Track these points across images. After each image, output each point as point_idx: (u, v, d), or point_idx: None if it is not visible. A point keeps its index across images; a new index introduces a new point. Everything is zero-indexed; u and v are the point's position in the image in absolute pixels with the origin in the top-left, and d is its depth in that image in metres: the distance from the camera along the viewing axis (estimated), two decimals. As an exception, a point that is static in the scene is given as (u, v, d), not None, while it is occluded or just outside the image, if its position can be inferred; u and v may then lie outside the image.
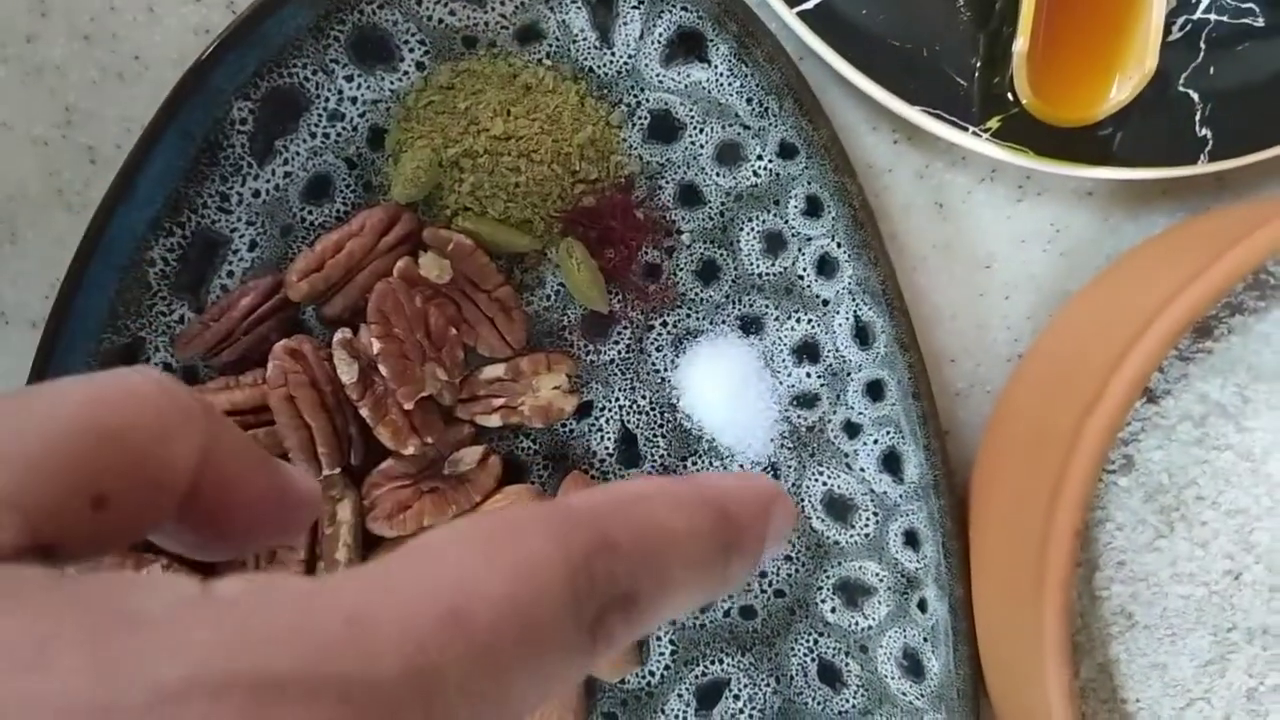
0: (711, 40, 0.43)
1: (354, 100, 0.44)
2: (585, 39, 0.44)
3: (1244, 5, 0.45)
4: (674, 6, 0.43)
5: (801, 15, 0.43)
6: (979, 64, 0.44)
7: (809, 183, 0.44)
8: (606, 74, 0.44)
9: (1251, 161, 0.44)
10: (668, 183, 0.45)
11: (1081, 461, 0.39)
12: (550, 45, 0.44)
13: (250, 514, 0.22)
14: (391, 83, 0.44)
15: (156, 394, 0.20)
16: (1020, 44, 0.42)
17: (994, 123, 0.44)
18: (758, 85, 0.43)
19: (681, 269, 0.45)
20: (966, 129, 0.44)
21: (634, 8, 0.43)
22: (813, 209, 0.44)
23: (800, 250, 0.45)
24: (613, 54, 0.44)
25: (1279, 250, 0.38)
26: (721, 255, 0.45)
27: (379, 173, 0.44)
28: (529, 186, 0.43)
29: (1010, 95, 0.43)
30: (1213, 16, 0.45)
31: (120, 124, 0.45)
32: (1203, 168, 0.44)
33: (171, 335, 0.43)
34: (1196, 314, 0.38)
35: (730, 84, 0.44)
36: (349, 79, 0.43)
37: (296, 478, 0.23)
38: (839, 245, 0.44)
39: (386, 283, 0.42)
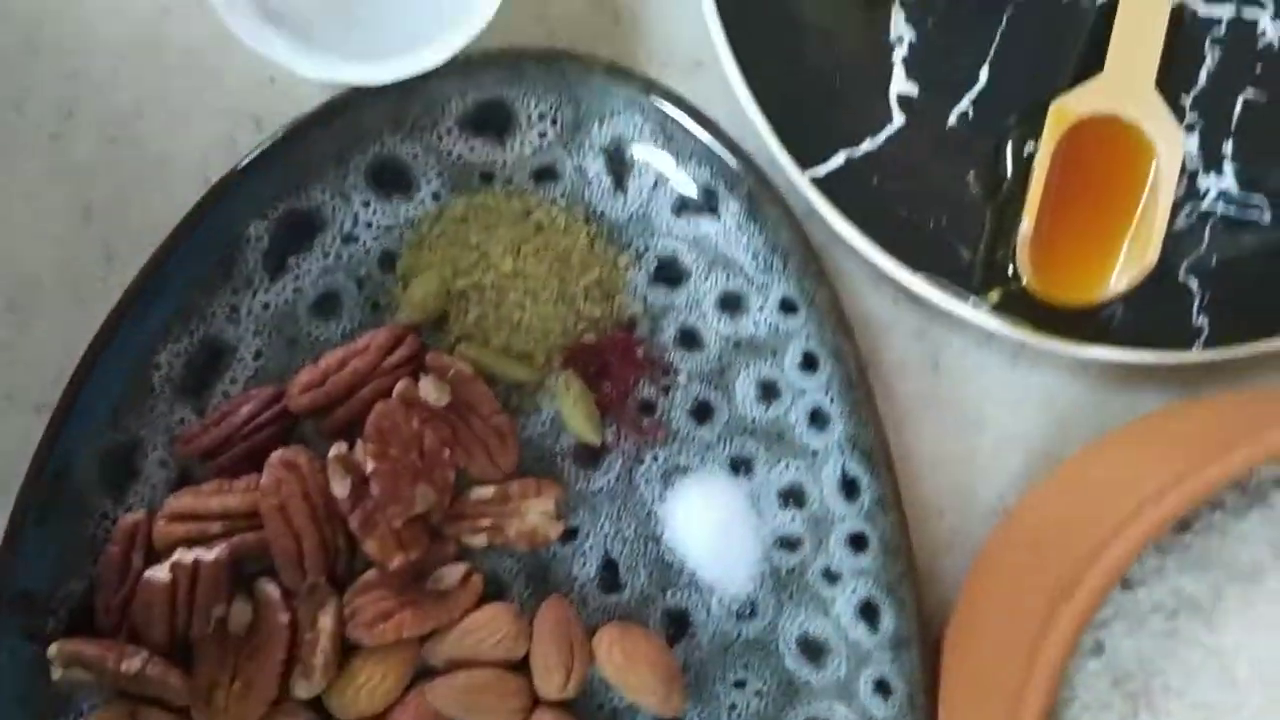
0: (723, 197, 0.44)
1: (369, 224, 0.45)
2: (600, 183, 0.45)
3: (1252, 198, 0.46)
4: (688, 161, 0.44)
5: (813, 180, 0.44)
6: (984, 237, 0.45)
7: (807, 339, 0.45)
8: (617, 218, 0.45)
9: (1245, 354, 0.45)
10: (669, 325, 0.46)
11: (1053, 650, 0.39)
12: (565, 186, 0.45)
13: None
14: (407, 210, 0.45)
15: None
16: (1025, 226, 0.43)
17: (994, 295, 0.45)
18: (764, 243, 0.44)
19: (676, 407, 0.46)
20: (966, 299, 0.44)
21: (648, 161, 0.44)
22: (809, 364, 0.45)
23: (794, 401, 0.46)
24: (625, 199, 0.45)
25: (1268, 460, 0.38)
26: (716, 397, 0.46)
27: (387, 294, 0.45)
28: (532, 323, 0.44)
29: (1012, 270, 0.44)
30: (1219, 207, 0.46)
31: (139, 225, 0.46)
32: (1197, 355, 0.45)
33: (171, 436, 0.44)
34: (1179, 513, 0.38)
35: (738, 239, 0.45)
36: (366, 204, 0.44)
37: None
38: (832, 401, 0.45)
39: (386, 403, 0.43)
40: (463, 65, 0.43)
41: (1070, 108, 0.43)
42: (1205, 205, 0.46)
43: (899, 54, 0.46)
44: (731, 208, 0.44)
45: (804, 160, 0.44)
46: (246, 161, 0.42)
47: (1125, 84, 0.43)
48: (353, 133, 0.43)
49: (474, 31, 0.40)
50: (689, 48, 0.47)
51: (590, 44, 0.47)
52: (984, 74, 0.46)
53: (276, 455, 0.43)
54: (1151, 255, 0.43)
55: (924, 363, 0.48)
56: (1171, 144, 0.43)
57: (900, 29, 0.46)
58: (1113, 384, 0.48)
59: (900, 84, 0.45)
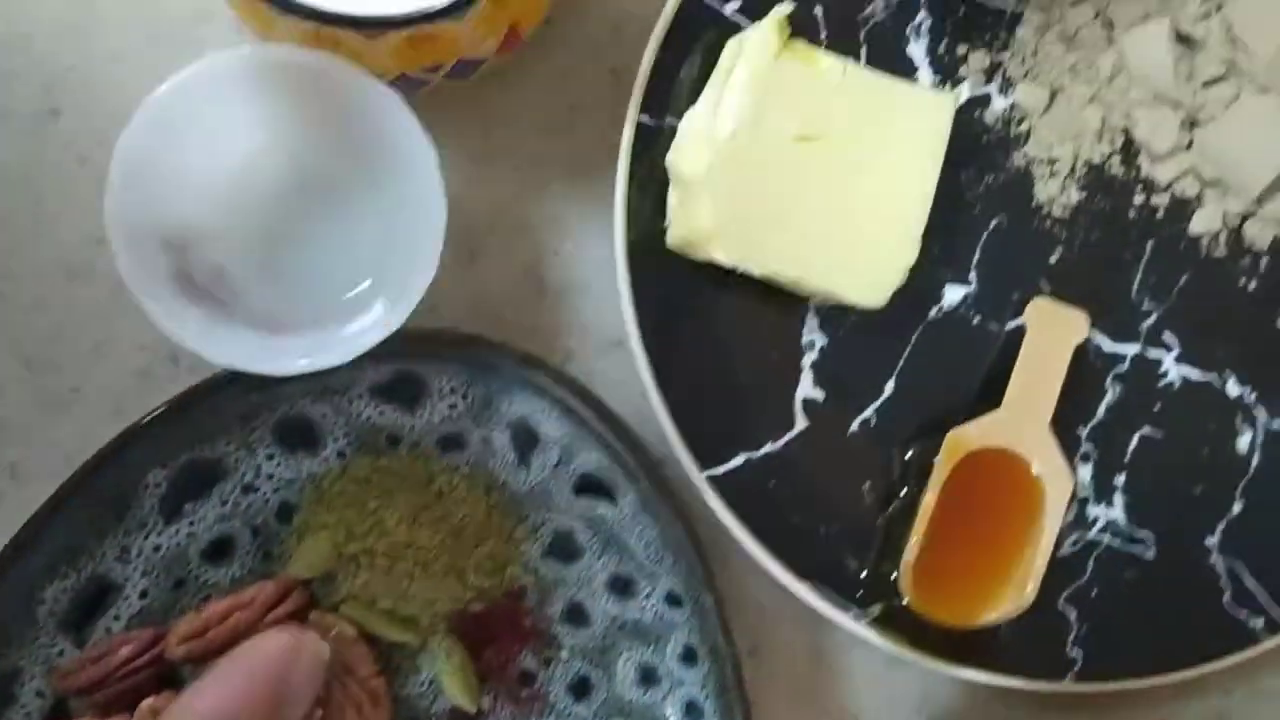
0: (621, 486, 0.45)
1: (270, 476, 0.45)
2: (504, 457, 0.46)
3: (1139, 533, 0.47)
4: (592, 451, 0.45)
5: (710, 479, 0.45)
6: (873, 550, 0.46)
7: (689, 633, 0.45)
8: (518, 491, 0.46)
9: (1115, 690, 0.46)
10: (558, 599, 0.46)
11: None
12: (470, 455, 0.46)
13: None
14: (310, 466, 0.45)
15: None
16: (910, 549, 0.44)
17: (876, 609, 0.45)
18: (656, 535, 0.45)
19: (556, 680, 0.47)
20: (848, 610, 0.45)
21: (554, 442, 0.45)
22: (689, 657, 0.45)
23: (671, 690, 0.46)
24: (528, 474, 0.46)
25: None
26: (597, 675, 0.47)
27: (281, 545, 0.45)
28: (420, 591, 0.45)
29: (896, 586, 0.45)
30: (1106, 538, 0.47)
31: (46, 448, 0.46)
32: (1067, 686, 0.46)
33: (50, 666, 0.44)
34: None
35: (632, 527, 0.45)
36: (270, 458, 0.45)
37: None
38: (707, 698, 0.45)
39: (265, 664, 0.43)
40: (381, 344, 0.43)
41: (965, 439, 0.44)
42: (1092, 535, 0.47)
43: (809, 359, 0.47)
44: (628, 498, 0.45)
45: (703, 458, 0.45)
46: (151, 417, 0.43)
47: (1021, 422, 0.45)
48: (264, 394, 0.44)
49: (405, 315, 0.41)
50: (611, 326, 0.48)
51: (515, 313, 0.48)
52: (889, 386, 0.47)
53: (146, 703, 0.43)
54: (1030, 592, 0.44)
55: (807, 653, 0.48)
56: (1060, 487, 0.44)
57: (813, 334, 0.47)
58: (988, 700, 0.49)
59: (807, 389, 0.47)
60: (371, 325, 0.41)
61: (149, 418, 0.43)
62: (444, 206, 0.40)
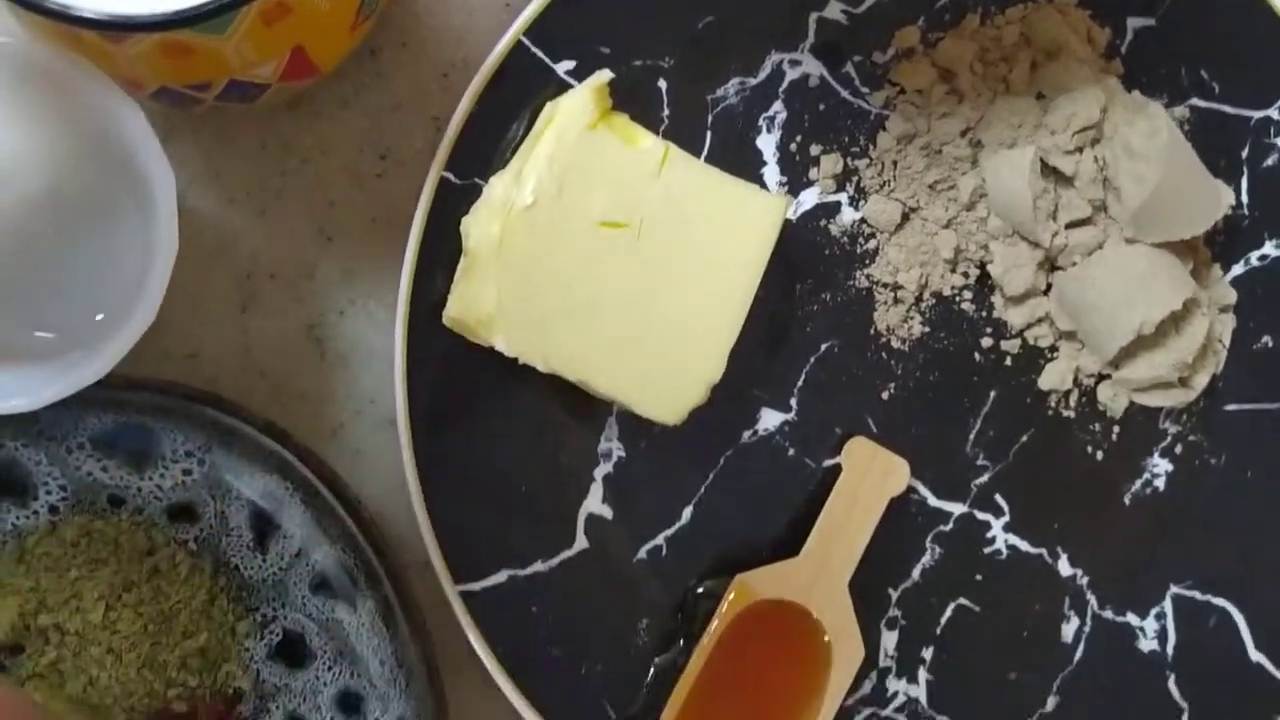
0: (361, 591, 0.39)
1: (-34, 525, 0.40)
2: (240, 537, 0.40)
3: (939, 718, 0.42)
4: (334, 545, 0.39)
5: (464, 594, 0.40)
6: (637, 703, 0.41)
7: (416, 768, 0.40)
8: (251, 577, 0.40)
9: None
10: (278, 709, 0.41)
11: None
12: (201, 530, 0.40)
13: None
14: (17, 518, 0.40)
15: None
16: (669, 711, 0.39)
17: (631, 766, 0.40)
18: (393, 653, 0.39)
19: (265, 802, 0.41)
20: (602, 768, 0.40)
21: (296, 528, 0.40)
22: (413, 796, 0.40)
23: (393, 829, 0.40)
24: (264, 560, 0.40)
25: None
26: (311, 802, 0.41)
27: (-29, 604, 0.40)
28: (110, 684, 0.39)
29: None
30: (902, 719, 0.42)
31: None
32: None
33: None
34: None
35: (369, 639, 0.40)
36: (-32, 503, 0.39)
37: None
38: (428, 847, 0.40)
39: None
40: (104, 385, 0.38)
41: (753, 586, 0.39)
42: (888, 712, 0.42)
43: (602, 470, 0.41)
44: (368, 605, 0.40)
45: (460, 570, 0.40)
46: None
47: (817, 575, 0.39)
48: (-38, 430, 0.38)
49: (109, 364, 0.36)
50: (389, 401, 0.42)
51: (286, 374, 0.43)
52: (687, 513, 0.42)
53: None
54: (794, 780, 0.38)
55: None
56: (848, 655, 0.39)
57: (611, 442, 0.41)
58: None
59: (594, 504, 0.41)
60: (62, 375, 0.35)
61: None
62: (174, 239, 0.35)
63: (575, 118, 0.37)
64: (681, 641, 0.41)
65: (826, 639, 0.39)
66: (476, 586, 0.40)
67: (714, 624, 0.39)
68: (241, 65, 0.36)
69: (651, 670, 0.41)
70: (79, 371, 0.35)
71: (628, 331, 0.38)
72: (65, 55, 0.35)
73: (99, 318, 0.39)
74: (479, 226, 0.38)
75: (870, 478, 0.40)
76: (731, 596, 0.39)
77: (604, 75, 0.38)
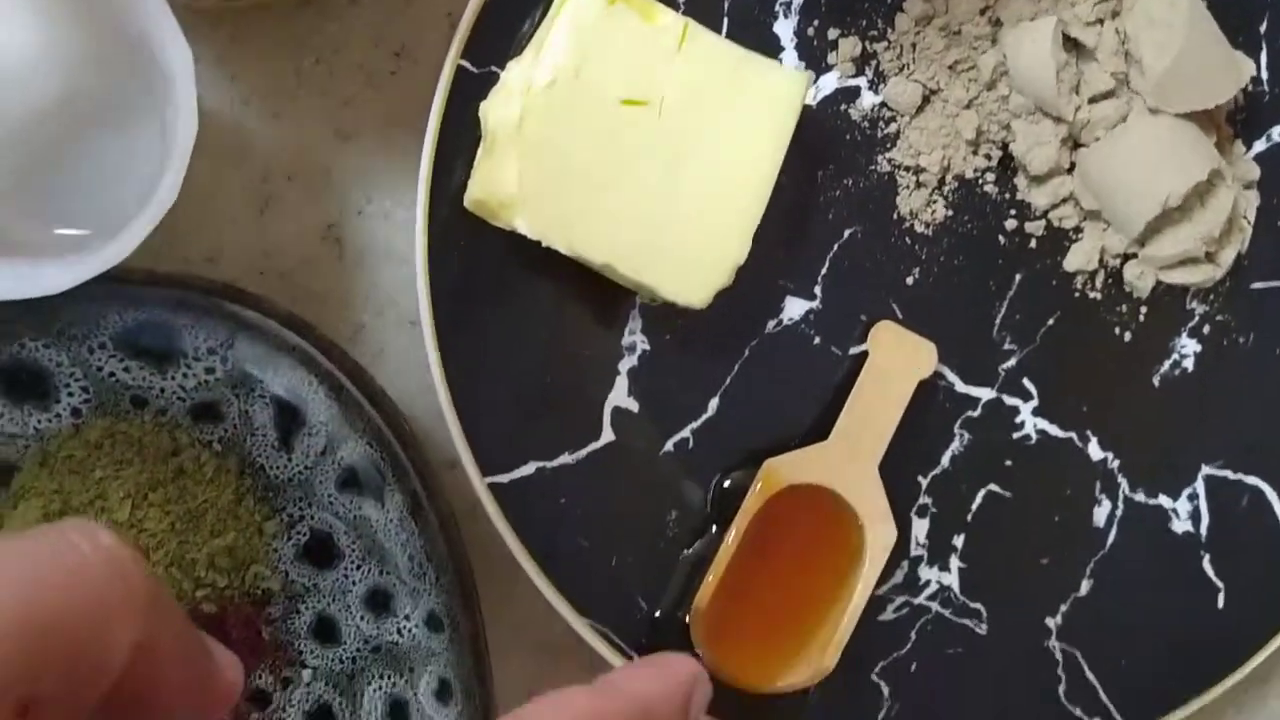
0: (389, 486, 0.39)
1: (-11, 429, 0.39)
2: (264, 436, 0.40)
3: (972, 605, 0.41)
4: (360, 439, 0.39)
5: (492, 486, 0.39)
6: (668, 592, 0.40)
7: (445, 666, 0.39)
8: (277, 477, 0.40)
9: (924, 779, 0.40)
10: (307, 609, 0.40)
11: None
12: (225, 431, 0.40)
13: (172, 703, 0.21)
14: (39, 421, 0.39)
15: (104, 575, 0.18)
16: (702, 594, 0.38)
17: (664, 656, 0.40)
18: (422, 547, 0.39)
19: (294, 706, 0.40)
20: (632, 658, 0.39)
21: (321, 424, 0.39)
22: (443, 695, 0.39)
23: (424, 727, 0.40)
24: (289, 459, 0.40)
25: None
26: (340, 705, 0.40)
27: (-5, 510, 0.39)
28: (139, 582, 0.39)
29: (689, 636, 0.39)
30: (935, 606, 0.41)
31: None
32: (872, 769, 0.40)
33: None
34: None
35: (398, 535, 0.39)
36: (-11, 407, 0.39)
37: (224, 664, 0.22)
38: (460, 742, 0.39)
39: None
40: (124, 281, 0.38)
41: (783, 471, 0.39)
42: (920, 600, 0.41)
43: (627, 364, 0.41)
44: (396, 500, 0.39)
45: (488, 462, 0.39)
46: None
47: (847, 459, 0.39)
48: (-16, 331, 0.38)
49: (126, 250, 0.35)
50: (410, 301, 0.42)
51: (305, 275, 0.42)
52: (713, 405, 0.41)
53: None
54: (828, 662, 0.38)
55: (593, 699, 0.42)
56: (881, 537, 0.39)
57: (634, 336, 0.41)
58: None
59: (620, 397, 0.41)
60: (94, 255, 0.35)
61: None
62: (193, 126, 0.35)
63: (593, -5, 0.37)
64: (714, 529, 0.41)
65: (859, 522, 0.39)
66: (504, 479, 0.39)
67: (742, 510, 0.39)
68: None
69: (683, 562, 0.41)
70: (98, 256, 0.35)
71: (651, 212, 0.38)
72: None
73: (114, 223, 0.39)
74: (498, 109, 0.37)
75: (898, 361, 0.40)
76: (760, 482, 0.39)
77: (623, -50, 0.37)
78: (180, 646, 0.21)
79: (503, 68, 0.39)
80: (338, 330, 0.42)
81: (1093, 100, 0.39)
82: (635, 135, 0.37)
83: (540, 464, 0.40)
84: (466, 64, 0.39)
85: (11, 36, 0.38)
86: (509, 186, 0.37)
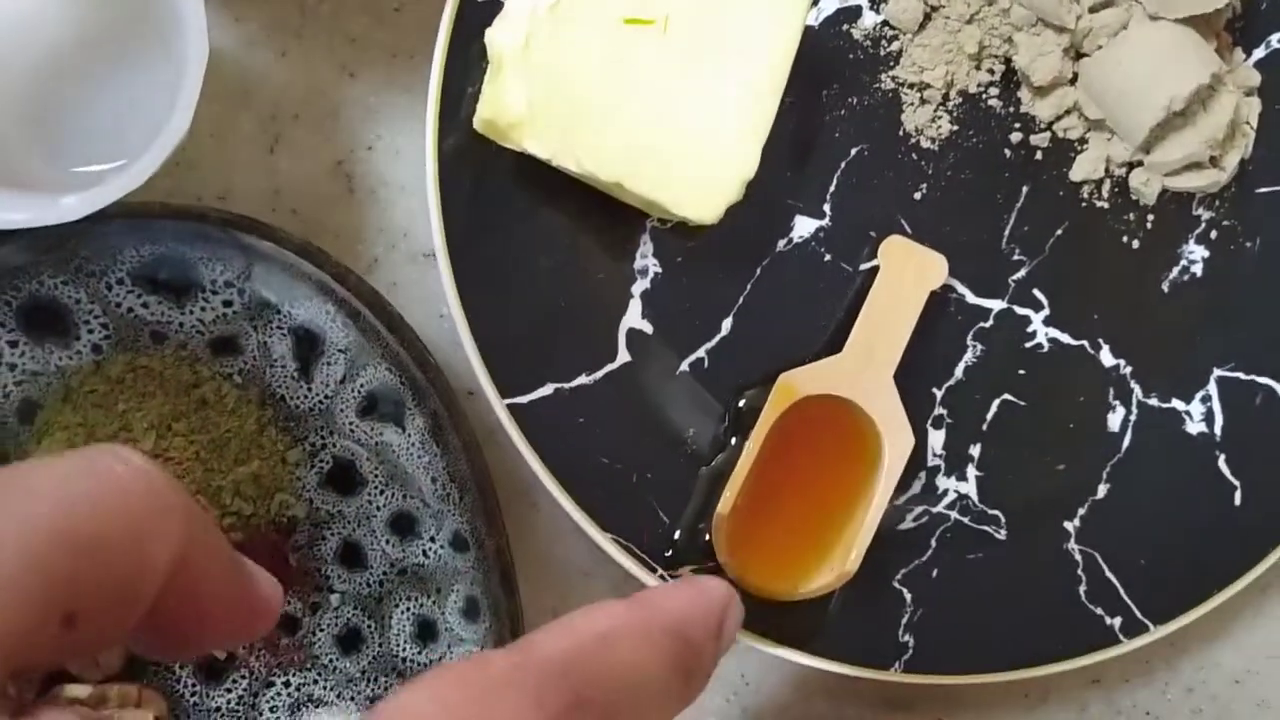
0: (409, 410, 0.40)
1: (12, 367, 0.40)
2: (284, 367, 0.40)
3: (990, 512, 0.42)
4: (379, 364, 0.40)
5: (512, 408, 0.40)
6: (689, 505, 0.41)
7: (472, 584, 0.40)
8: (297, 407, 0.41)
9: (943, 683, 0.40)
10: (332, 535, 0.41)
11: None
12: (245, 363, 0.40)
13: (213, 620, 0.21)
14: (60, 359, 0.40)
15: (138, 491, 0.19)
16: (723, 505, 0.39)
17: (686, 571, 0.40)
18: (444, 469, 0.40)
19: (323, 630, 0.41)
20: (654, 572, 0.40)
21: (340, 351, 0.40)
22: (471, 612, 0.40)
23: (450, 648, 0.40)
24: (309, 389, 0.40)
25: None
26: (369, 627, 0.41)
27: (20, 448, 0.40)
28: (166, 512, 0.39)
29: (711, 549, 0.40)
30: (954, 515, 0.42)
31: None
32: (894, 676, 0.40)
33: None
34: None
35: (420, 458, 0.40)
36: (12, 345, 0.39)
37: (262, 582, 0.22)
38: (489, 658, 0.40)
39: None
40: (140, 214, 0.38)
41: (798, 383, 0.39)
42: (939, 509, 0.42)
43: (639, 286, 0.41)
44: (417, 423, 0.40)
45: (506, 384, 0.40)
46: None
47: (862, 370, 0.39)
48: (2, 264, 0.38)
49: (144, 175, 0.36)
50: (423, 235, 0.43)
51: (316, 211, 0.43)
52: (727, 324, 0.42)
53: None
54: (851, 565, 0.38)
55: (617, 622, 0.43)
56: (899, 444, 0.39)
57: (646, 259, 0.42)
58: (811, 695, 0.43)
59: (634, 319, 0.41)
60: (106, 185, 0.35)
61: None
62: (204, 55, 0.35)
63: (596, -85, 0.37)
64: (733, 441, 0.41)
65: (876, 430, 0.39)
66: (523, 399, 0.40)
67: (759, 423, 0.39)
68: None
69: (702, 477, 0.41)
70: (114, 183, 0.35)
71: (660, 130, 0.38)
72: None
73: (122, 163, 0.40)
74: (502, 33, 0.38)
75: (908, 273, 0.40)
76: (776, 394, 0.39)
77: None
78: (218, 564, 0.21)
79: (504, -5, 0.39)
80: (352, 264, 0.42)
81: (1093, 9, 0.40)
82: (640, 54, 0.38)
83: (558, 385, 0.40)
84: (472, -9, 0.39)
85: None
86: (517, 107, 0.38)
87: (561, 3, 0.37)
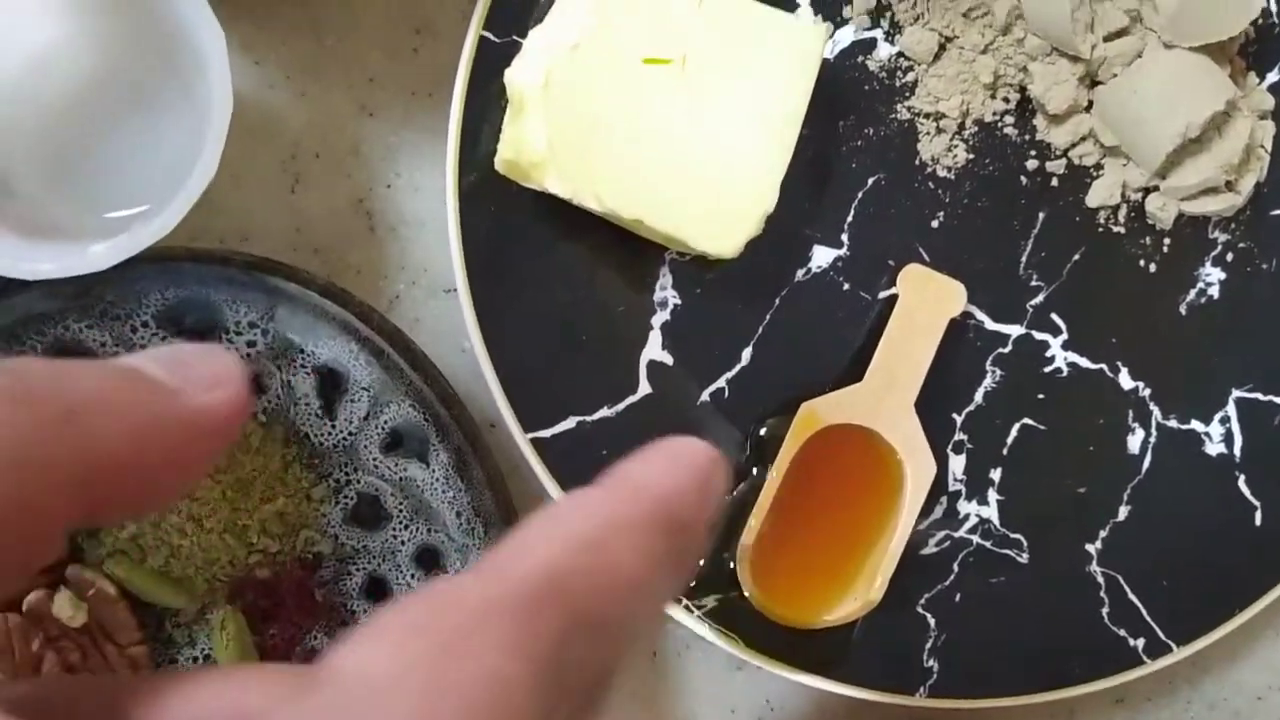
0: (434, 445, 0.40)
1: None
2: (308, 405, 0.41)
3: (1012, 536, 0.42)
4: (403, 401, 0.40)
5: (535, 441, 0.40)
6: (717, 528, 0.41)
7: (500, 618, 0.40)
8: (321, 444, 0.41)
9: (968, 707, 0.40)
10: (358, 570, 0.41)
11: None
12: (269, 402, 0.41)
13: (140, 452, 0.16)
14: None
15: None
16: (747, 535, 0.39)
17: (711, 600, 0.40)
18: (469, 503, 0.40)
19: (352, 666, 0.41)
20: (679, 602, 0.40)
21: (364, 389, 0.40)
22: (498, 646, 0.40)
23: (480, 681, 0.41)
24: (333, 426, 0.41)
25: None
26: (397, 663, 0.41)
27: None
28: (194, 550, 0.39)
29: (736, 578, 0.40)
30: (975, 539, 0.42)
31: None
32: (919, 701, 0.41)
33: None
34: None
35: (444, 493, 0.40)
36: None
37: (199, 363, 0.17)
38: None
39: (3, 618, 0.38)
40: (165, 258, 0.38)
41: (820, 412, 0.40)
42: (960, 534, 0.42)
43: (659, 318, 0.42)
44: (441, 459, 0.40)
45: (529, 418, 0.40)
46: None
47: (882, 398, 0.40)
48: (28, 310, 0.39)
49: (169, 225, 0.36)
50: (444, 271, 0.43)
51: (338, 249, 0.43)
52: (746, 354, 0.42)
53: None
54: (875, 593, 0.39)
55: (642, 651, 0.43)
56: (921, 471, 0.39)
57: (666, 290, 0.42)
58: (834, 710, 0.44)
59: (654, 351, 0.42)
60: (128, 241, 0.36)
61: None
62: (229, 101, 0.36)
63: (613, -45, 0.38)
64: (754, 471, 0.41)
65: (898, 458, 0.40)
66: (546, 433, 0.40)
67: (782, 452, 0.40)
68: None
69: (724, 507, 0.41)
70: (142, 231, 0.35)
71: (679, 167, 0.38)
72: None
73: (145, 208, 0.40)
74: (523, 72, 0.38)
75: (927, 301, 0.40)
76: (798, 424, 0.40)
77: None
78: (101, 385, 0.16)
79: (524, 36, 0.39)
80: (374, 301, 0.43)
81: (1108, 38, 0.40)
82: (660, 91, 0.38)
83: (580, 418, 0.41)
84: (489, 34, 0.40)
85: (43, 25, 0.39)
86: (538, 147, 0.38)
87: (581, 43, 0.38)
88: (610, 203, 0.38)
